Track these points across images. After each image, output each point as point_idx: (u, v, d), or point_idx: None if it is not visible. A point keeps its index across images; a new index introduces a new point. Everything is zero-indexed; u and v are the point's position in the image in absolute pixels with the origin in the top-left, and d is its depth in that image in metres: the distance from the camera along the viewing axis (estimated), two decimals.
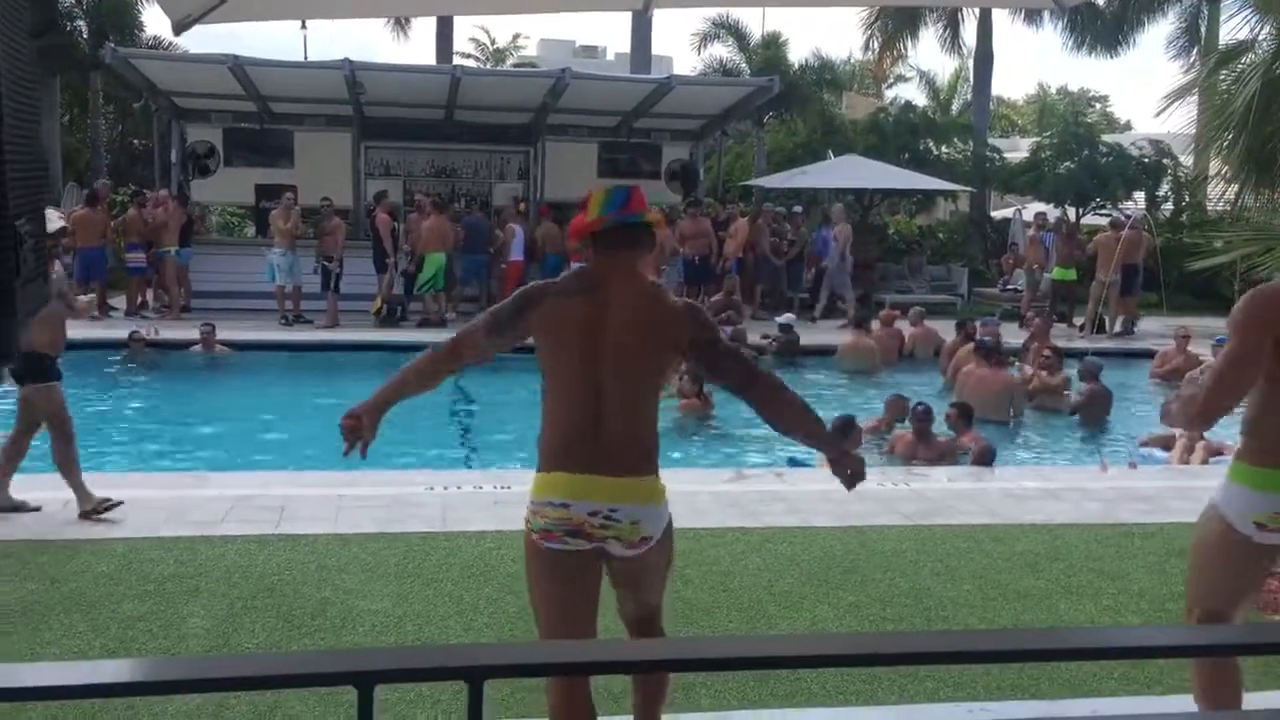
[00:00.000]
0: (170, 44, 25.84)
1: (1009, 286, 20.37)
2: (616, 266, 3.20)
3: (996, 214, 26.51)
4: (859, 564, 5.82)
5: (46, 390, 6.31)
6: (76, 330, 14.00)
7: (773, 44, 27.38)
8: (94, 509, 6.25)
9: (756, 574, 5.63)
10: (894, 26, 27.28)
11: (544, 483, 3.11)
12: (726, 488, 7.38)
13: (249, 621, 4.85)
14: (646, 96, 17.74)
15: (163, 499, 6.65)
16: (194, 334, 13.16)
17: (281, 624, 4.83)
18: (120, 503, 6.33)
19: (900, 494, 7.29)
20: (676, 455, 9.33)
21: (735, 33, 27.96)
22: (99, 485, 7.18)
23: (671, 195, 19.28)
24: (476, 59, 45.77)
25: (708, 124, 19.33)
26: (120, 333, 13.38)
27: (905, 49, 28.65)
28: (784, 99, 23.47)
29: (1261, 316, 3.14)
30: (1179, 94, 15.90)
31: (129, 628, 4.74)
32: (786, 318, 14.61)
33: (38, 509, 6.36)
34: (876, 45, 28.26)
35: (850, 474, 3.26)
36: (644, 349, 3.15)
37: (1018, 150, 27.65)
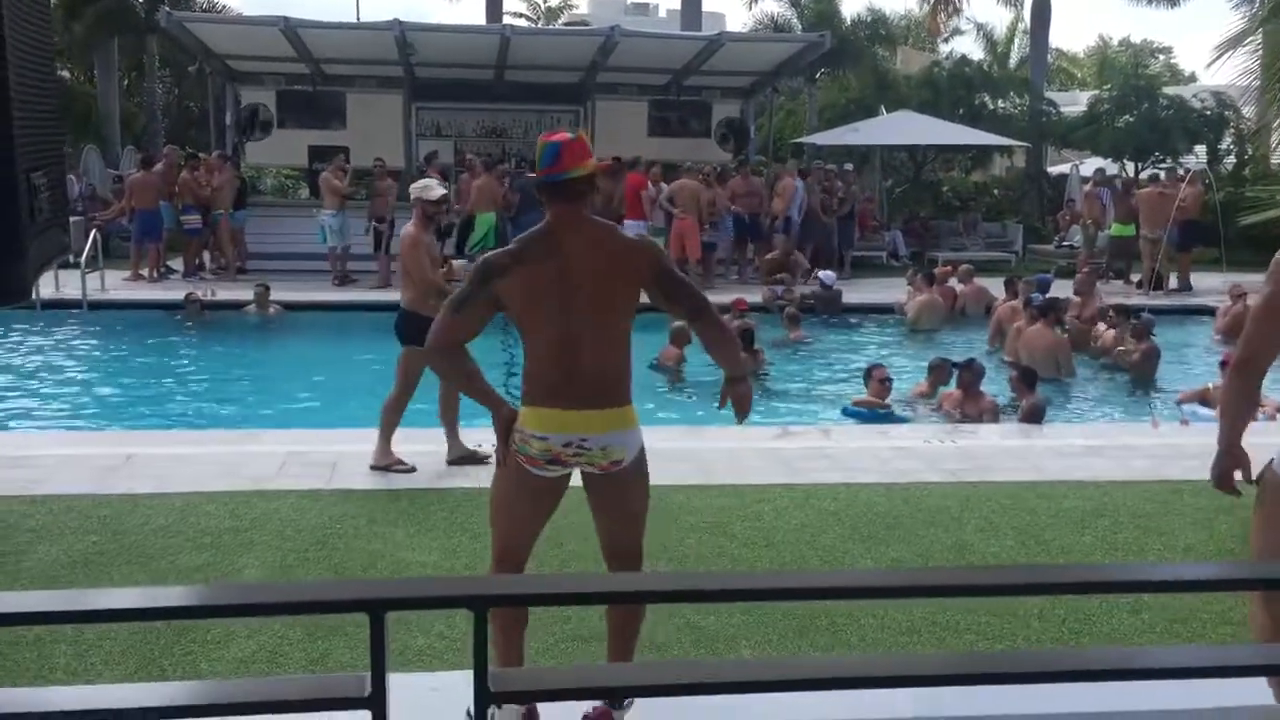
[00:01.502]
0: (224, 7, 26.08)
1: (1065, 243, 20.09)
2: (563, 217, 3.46)
3: (1053, 170, 26.10)
4: (902, 519, 5.84)
5: (411, 352, 6.43)
6: (138, 292, 14.36)
7: None
8: (385, 466, 6.47)
9: (799, 529, 5.67)
10: None
11: (527, 417, 3.45)
12: (772, 444, 7.41)
13: (302, 573, 4.97)
14: (696, 54, 17.63)
15: (218, 454, 6.81)
16: (249, 295, 13.37)
17: (333, 576, 4.95)
18: (413, 468, 6.50)
19: (946, 451, 7.27)
20: (724, 411, 9.33)
21: None
22: (155, 443, 7.38)
23: (721, 153, 19.19)
24: (528, 18, 45.57)
25: (758, 81, 19.19)
26: (178, 294, 13.65)
27: (960, 2, 28.15)
28: (836, 55, 23.21)
29: None
30: (1231, 43, 15.51)
31: (187, 578, 4.89)
32: (827, 275, 14.54)
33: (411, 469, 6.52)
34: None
35: (737, 403, 3.67)
36: (607, 290, 3.44)
37: (1076, 104, 27.12)
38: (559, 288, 3.39)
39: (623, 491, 3.57)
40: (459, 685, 0.96)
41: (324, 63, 17.68)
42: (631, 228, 15.50)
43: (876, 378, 8.80)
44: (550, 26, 40.09)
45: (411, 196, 6.71)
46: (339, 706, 0.96)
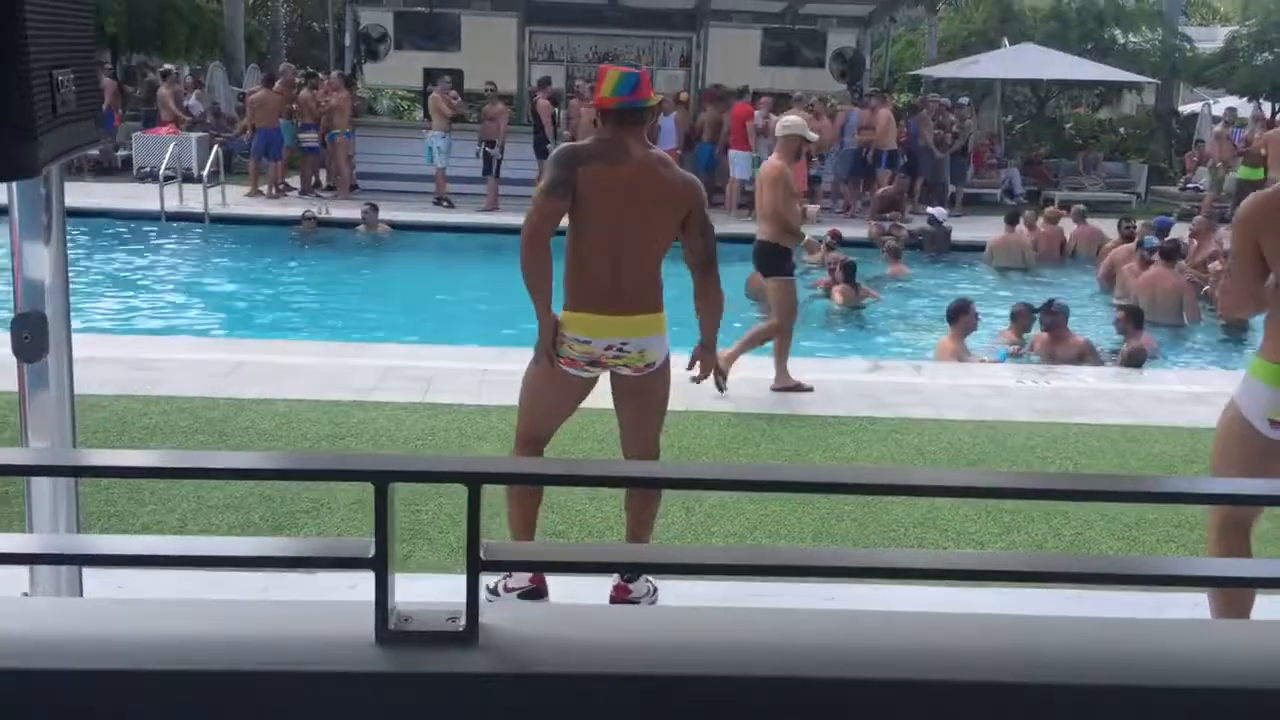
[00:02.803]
0: None
1: (1190, 185, 19.36)
2: (628, 137, 3.76)
3: (1184, 108, 25.03)
4: (985, 457, 5.83)
5: (784, 284, 6.83)
6: (256, 208, 14.81)
7: None
8: (786, 387, 6.84)
9: (878, 461, 5.70)
10: None
11: (570, 321, 3.77)
12: (861, 378, 7.42)
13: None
14: None
15: (322, 365, 7.10)
16: (360, 214, 13.71)
17: (422, 484, 5.16)
18: (811, 389, 6.84)
19: (1038, 391, 7.20)
20: (820, 343, 9.37)
21: None
22: (265, 352, 7.70)
23: (835, 84, 18.86)
24: None
25: (876, 10, 18.73)
26: (294, 210, 14.06)
27: None
28: None
29: (1248, 220, 3.33)
30: None
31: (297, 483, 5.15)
32: (938, 211, 14.28)
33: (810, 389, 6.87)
34: None
35: (702, 367, 4.16)
36: (658, 211, 3.76)
37: (1215, 40, 25.89)
38: (622, 194, 3.68)
39: (650, 390, 3.90)
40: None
41: None
42: (737, 158, 15.46)
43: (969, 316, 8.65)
44: None
45: (781, 133, 6.79)
46: (344, 566, 1.06)
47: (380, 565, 1.06)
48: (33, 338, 2.23)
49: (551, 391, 3.89)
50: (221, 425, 5.86)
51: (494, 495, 4.76)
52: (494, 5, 18.12)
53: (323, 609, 1.13)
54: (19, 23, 0.86)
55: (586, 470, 1.15)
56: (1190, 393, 7.36)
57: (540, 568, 1.26)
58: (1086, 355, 8.49)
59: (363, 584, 1.05)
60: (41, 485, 2.15)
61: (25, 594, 2.17)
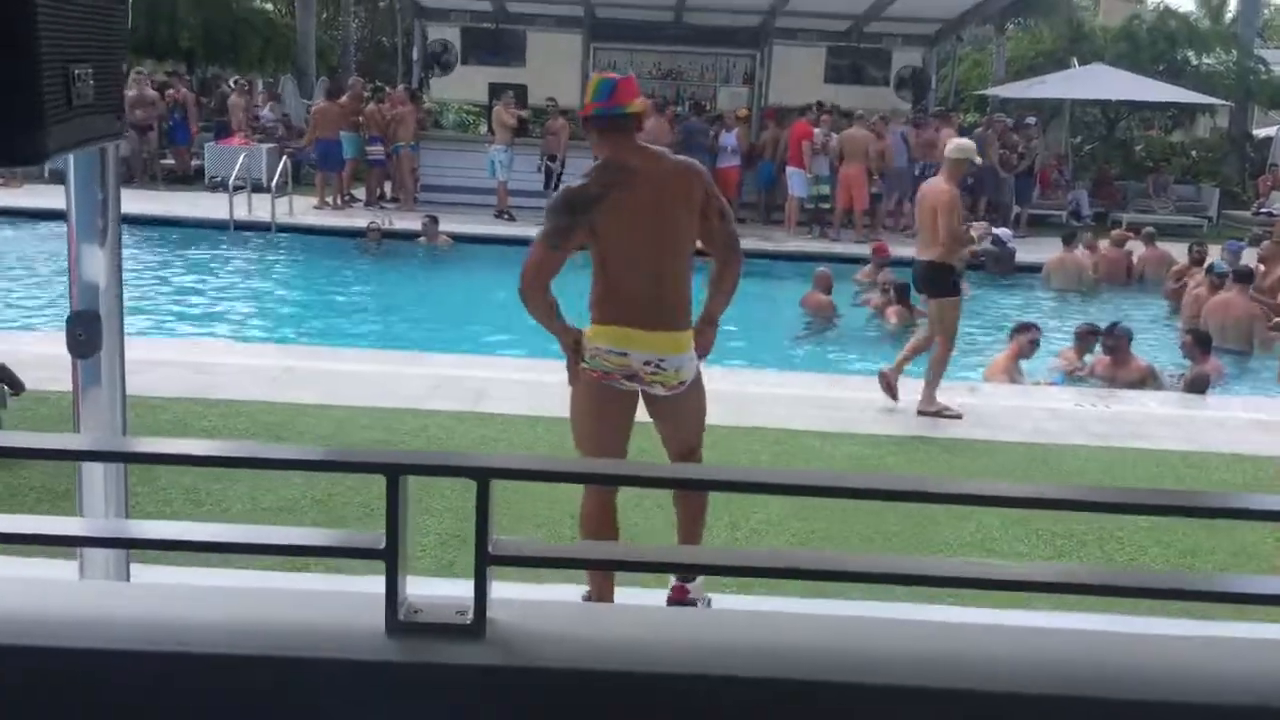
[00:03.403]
0: None
1: (1263, 210, 18.96)
2: (622, 147, 3.66)
3: (1259, 132, 24.53)
4: (1037, 479, 5.76)
5: (953, 304, 6.96)
6: (323, 218, 15.05)
7: None
8: (935, 411, 6.89)
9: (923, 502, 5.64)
10: None
11: (603, 334, 3.66)
12: (916, 397, 7.35)
13: (441, 486, 5.24)
14: None
15: (378, 373, 7.19)
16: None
17: (467, 490, 5.20)
18: (959, 415, 6.90)
19: (1096, 415, 7.09)
20: (876, 363, 9.30)
21: None
22: (323, 359, 7.81)
23: (900, 102, 18.76)
24: None
25: (942, 29, 18.61)
26: (359, 221, 14.26)
27: None
28: (1028, 3, 22.30)
29: None
30: None
31: (337, 483, 5.21)
32: (1002, 232, 14.12)
33: (958, 416, 6.90)
34: None
35: (702, 343, 3.88)
36: (675, 212, 3.64)
37: None
38: (645, 214, 3.58)
39: (685, 404, 3.82)
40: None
41: (507, 0, 18.00)
42: (794, 176, 15.43)
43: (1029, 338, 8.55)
44: None
45: (951, 155, 6.90)
46: (356, 555, 1.09)
47: (391, 557, 1.09)
48: (86, 335, 2.31)
49: (599, 407, 3.78)
50: (278, 430, 5.96)
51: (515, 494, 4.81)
52: (559, 22, 18.28)
53: (337, 598, 1.16)
54: (30, 20, 0.91)
55: (599, 469, 1.17)
56: (1255, 420, 7.21)
57: (552, 564, 1.28)
58: (1149, 380, 8.34)
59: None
60: (93, 473, 2.23)
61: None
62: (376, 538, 1.10)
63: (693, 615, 1.22)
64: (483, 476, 1.08)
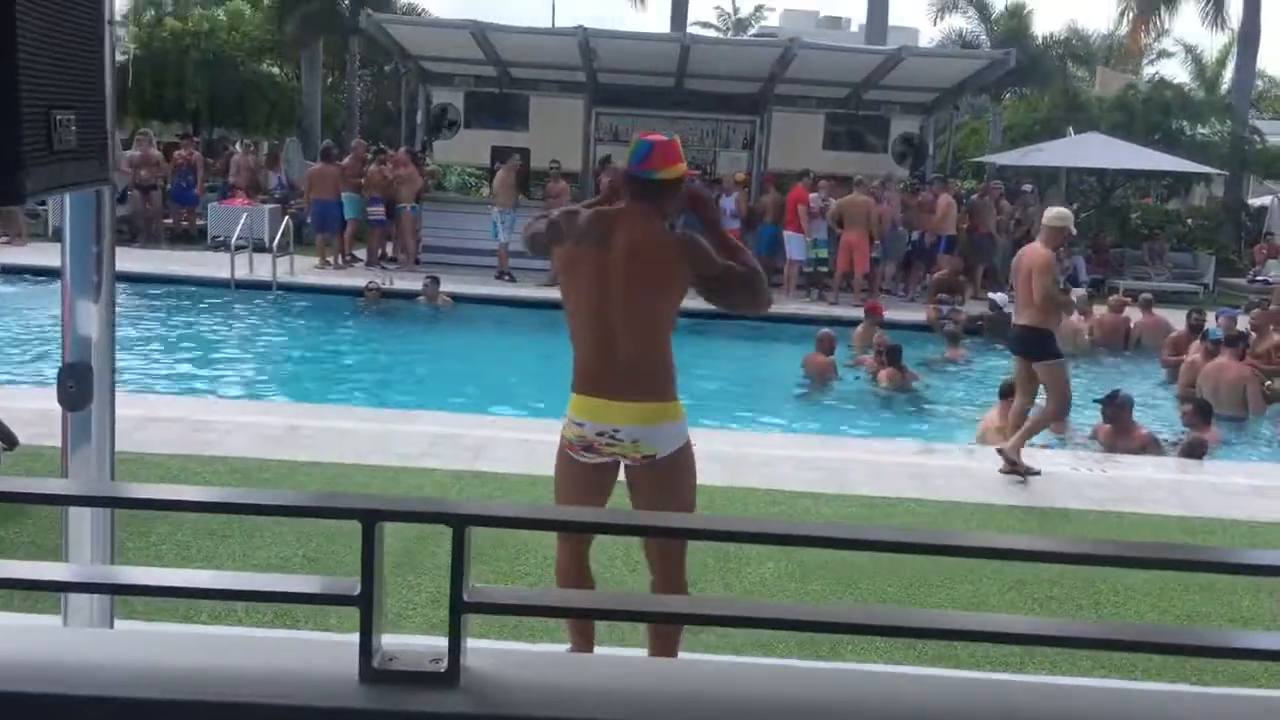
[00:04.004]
0: (422, 10, 27.21)
1: (1259, 278, 19.07)
2: (633, 212, 3.54)
3: (1255, 201, 24.75)
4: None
5: (1057, 366, 7.09)
6: (324, 278, 15.13)
7: (1016, 14, 26.36)
8: (1014, 469, 6.93)
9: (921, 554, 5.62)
10: None
11: (571, 402, 3.58)
12: (912, 459, 7.35)
13: (433, 546, 5.21)
14: (876, 68, 17.45)
15: (374, 431, 7.19)
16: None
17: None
18: (1037, 471, 6.92)
19: (1093, 479, 7.08)
20: (871, 424, 9.34)
21: (975, 3, 27.07)
22: (319, 416, 7.80)
23: (898, 169, 18.95)
24: (717, 28, 45.90)
25: (940, 97, 18.85)
26: (360, 281, 14.34)
27: (1162, 21, 27.02)
28: (1024, 73, 22.62)
29: None
30: None
31: (330, 541, 5.20)
32: (999, 296, 14.20)
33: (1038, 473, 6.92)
34: (1131, 17, 26.77)
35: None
36: (647, 286, 3.48)
37: None
38: (604, 272, 3.45)
39: (659, 487, 3.55)
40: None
41: (511, 66, 18.25)
42: (791, 240, 15.56)
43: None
44: (730, 36, 40.23)
45: (1052, 222, 7.02)
46: (331, 602, 1.09)
47: (366, 603, 1.09)
48: (78, 387, 2.33)
49: (565, 479, 3.65)
50: (272, 486, 5.94)
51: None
52: (562, 87, 18.52)
53: (313, 646, 1.16)
54: (9, 63, 0.93)
55: (574, 517, 1.18)
56: (1251, 485, 7.19)
57: (528, 612, 1.28)
58: (1149, 448, 8.35)
59: None
60: (80, 520, 2.24)
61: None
62: (351, 584, 1.10)
63: (669, 665, 1.22)
64: (458, 523, 1.09)
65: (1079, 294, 8.23)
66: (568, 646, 3.87)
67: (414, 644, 1.15)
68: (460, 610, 1.10)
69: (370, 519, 1.09)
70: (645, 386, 3.49)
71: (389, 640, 1.13)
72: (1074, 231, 7.39)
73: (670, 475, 3.56)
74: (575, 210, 3.65)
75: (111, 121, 1.61)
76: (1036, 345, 7.03)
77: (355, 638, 1.10)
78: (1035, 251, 7.00)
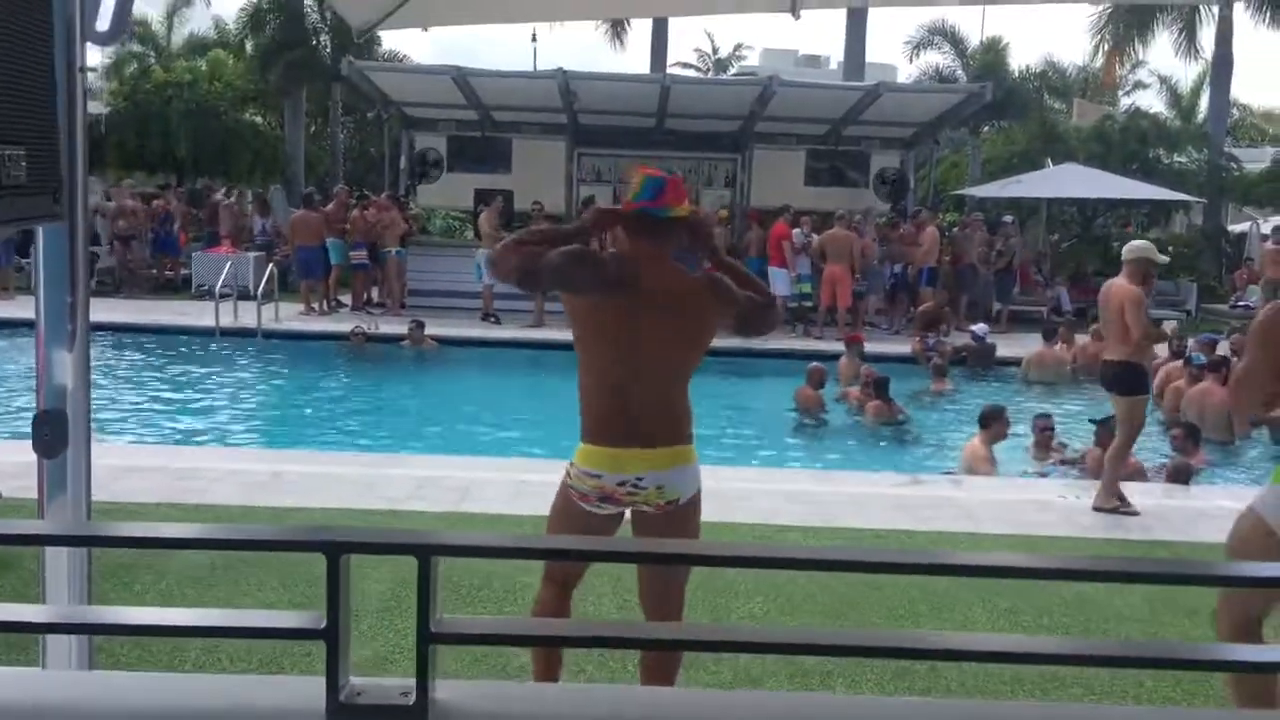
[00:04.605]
0: (404, 57, 27.40)
1: (1241, 303, 19.21)
2: (643, 251, 3.38)
3: (1234, 228, 24.98)
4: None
5: (1140, 401, 7.06)
6: (308, 324, 15.13)
7: (992, 49, 26.68)
8: (1114, 508, 6.94)
9: (910, 575, 5.61)
10: (1124, 29, 26.09)
11: (583, 454, 3.39)
12: (898, 491, 7.34)
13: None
14: (855, 104, 17.63)
15: (360, 475, 7.16)
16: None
17: (449, 593, 5.17)
18: (1137, 513, 6.92)
19: (1082, 507, 7.08)
20: (859, 458, 9.34)
21: (952, 39, 27.39)
22: (305, 462, 7.77)
23: (879, 203, 19.09)
24: (697, 68, 46.28)
25: (919, 132, 19.03)
26: (345, 326, 14.35)
27: (1136, 53, 27.34)
28: (1002, 106, 22.87)
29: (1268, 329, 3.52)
30: None
31: (315, 585, 5.14)
32: (979, 328, 14.29)
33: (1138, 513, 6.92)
34: (1105, 50, 27.09)
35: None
36: (682, 335, 3.36)
37: (1263, 160, 25.93)
38: (624, 318, 3.30)
39: (675, 530, 3.42)
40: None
41: (492, 109, 18.37)
42: (775, 275, 15.63)
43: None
44: (708, 76, 40.57)
45: (1131, 255, 6.99)
46: (297, 636, 1.09)
47: (333, 638, 1.09)
48: (53, 435, 2.32)
49: (566, 526, 3.48)
50: None
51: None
52: (544, 129, 18.64)
53: (281, 683, 1.15)
54: None
55: (542, 544, 1.17)
56: (1237, 509, 7.17)
57: (496, 641, 1.28)
58: (1136, 475, 8.38)
59: None
60: (57, 562, 2.23)
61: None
62: (316, 617, 1.10)
63: (639, 693, 1.21)
64: (424, 554, 1.09)
65: (1170, 325, 8.22)
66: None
67: (382, 678, 1.15)
68: (428, 641, 1.10)
69: (335, 551, 1.09)
70: (667, 432, 3.37)
71: (356, 674, 1.13)
72: (1163, 259, 7.28)
73: (686, 518, 3.46)
74: (585, 254, 3.36)
75: (80, 165, 1.62)
76: (1129, 380, 6.97)
77: (323, 678, 1.10)
78: (1123, 288, 6.92)
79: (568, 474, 3.45)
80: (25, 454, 2.40)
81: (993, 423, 8.50)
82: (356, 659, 1.06)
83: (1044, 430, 9.08)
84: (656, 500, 3.36)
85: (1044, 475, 8.58)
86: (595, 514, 3.41)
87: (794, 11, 3.85)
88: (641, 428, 3.32)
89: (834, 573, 5.51)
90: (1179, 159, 23.35)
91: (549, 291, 3.62)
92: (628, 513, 3.47)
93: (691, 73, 40.43)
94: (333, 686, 1.09)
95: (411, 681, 1.11)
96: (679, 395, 3.42)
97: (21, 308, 14.05)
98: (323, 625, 1.09)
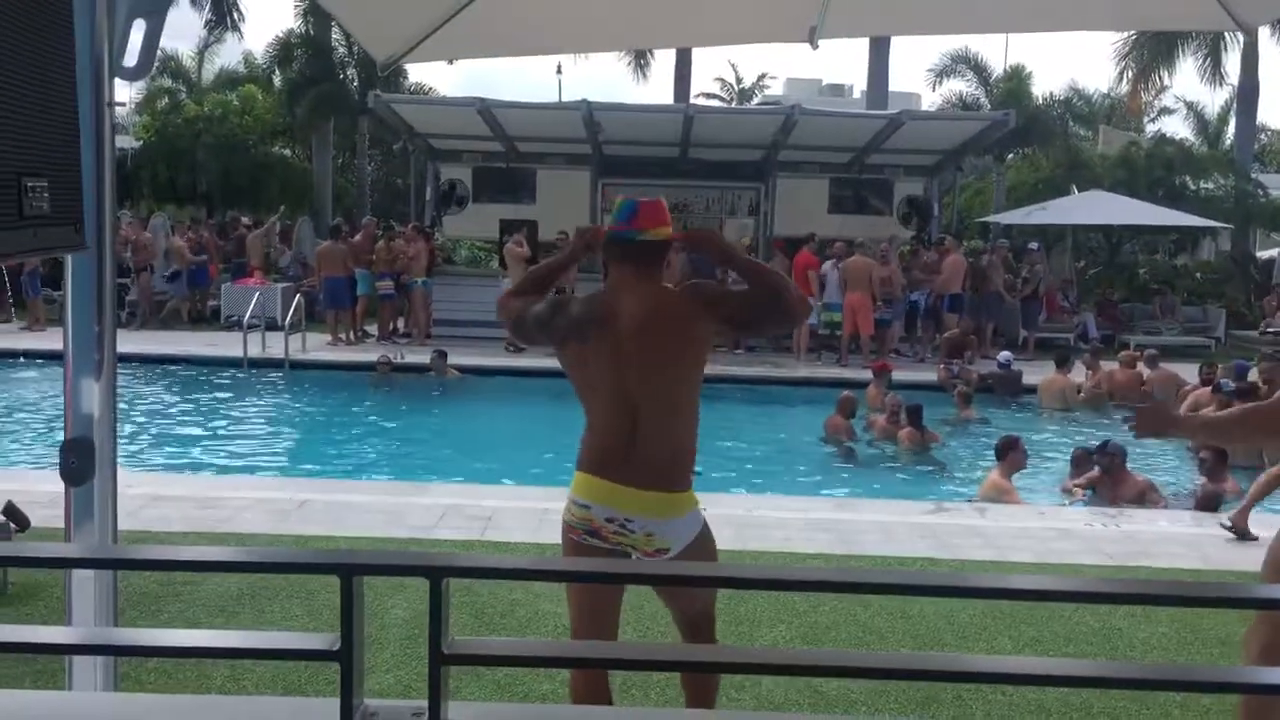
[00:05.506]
0: (430, 89, 27.68)
1: (1270, 329, 19.03)
2: (624, 280, 3.26)
3: (1262, 254, 24.80)
4: (1048, 600, 5.67)
5: None
6: (335, 354, 15.24)
7: (1015, 76, 26.67)
8: (1237, 530, 6.98)
9: (938, 603, 5.57)
10: (1149, 56, 26.04)
11: (576, 481, 3.24)
12: (924, 519, 7.31)
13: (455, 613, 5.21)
14: (878, 132, 17.66)
15: (385, 504, 7.20)
16: None
17: (473, 620, 5.18)
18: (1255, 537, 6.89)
19: (1107, 534, 7.03)
20: (877, 486, 9.32)
21: (975, 66, 27.40)
22: (330, 491, 7.82)
23: (903, 231, 19.08)
24: (721, 98, 46.50)
25: (942, 159, 19.04)
26: (371, 356, 14.44)
27: (1161, 79, 27.27)
28: (1026, 133, 22.83)
29: None
30: None
31: (339, 614, 5.19)
32: (1004, 355, 14.23)
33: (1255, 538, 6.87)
34: (1130, 76, 27.03)
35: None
36: (666, 355, 3.20)
37: None
38: (614, 359, 3.18)
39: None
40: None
41: (517, 140, 18.52)
42: None
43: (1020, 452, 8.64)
44: (732, 106, 40.73)
45: None
46: (310, 657, 1.11)
47: (346, 659, 1.11)
48: (79, 463, 2.37)
49: (581, 590, 3.27)
50: None
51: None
52: (568, 160, 18.76)
53: (294, 704, 1.17)
54: None
55: (552, 566, 1.19)
56: (1269, 537, 7.11)
57: (508, 663, 1.29)
58: (1147, 495, 8.36)
59: None
60: (84, 586, 2.27)
61: None
62: (331, 639, 1.12)
63: (650, 716, 1.23)
64: (435, 575, 1.11)
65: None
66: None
67: (397, 699, 1.16)
68: (439, 662, 1.12)
69: (348, 573, 1.11)
70: (663, 475, 3.18)
71: (370, 696, 1.14)
72: None
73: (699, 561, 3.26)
74: (564, 302, 3.33)
75: (108, 197, 1.66)
76: None
77: (337, 699, 1.11)
78: None
79: (566, 509, 3.30)
80: (56, 484, 2.45)
81: (1009, 453, 8.47)
82: (380, 685, 1.08)
83: (1081, 460, 9.01)
84: (645, 547, 3.19)
85: (1075, 504, 8.51)
86: (597, 549, 3.23)
87: (812, 41, 3.88)
88: (637, 466, 3.16)
89: (858, 599, 5.50)
90: (1205, 185, 23.22)
91: (539, 345, 3.51)
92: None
93: (715, 103, 40.64)
94: (347, 708, 1.11)
95: (424, 703, 1.13)
96: (683, 432, 3.25)
97: (53, 339, 14.24)
98: (336, 647, 1.11)
